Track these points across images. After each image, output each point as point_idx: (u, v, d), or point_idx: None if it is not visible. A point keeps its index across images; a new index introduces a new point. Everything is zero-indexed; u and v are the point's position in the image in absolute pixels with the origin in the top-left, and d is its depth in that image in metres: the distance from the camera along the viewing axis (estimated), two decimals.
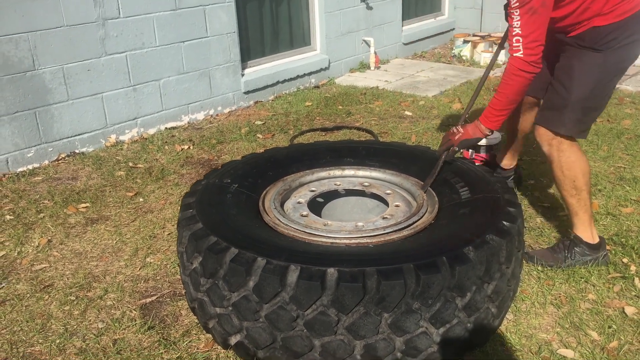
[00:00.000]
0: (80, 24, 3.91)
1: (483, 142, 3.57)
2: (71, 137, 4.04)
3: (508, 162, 3.21)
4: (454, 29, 7.47)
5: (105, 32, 4.05)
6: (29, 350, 2.16)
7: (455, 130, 2.53)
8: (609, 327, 2.17)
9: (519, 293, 2.37)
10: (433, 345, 1.92)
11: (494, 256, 1.95)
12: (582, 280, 2.44)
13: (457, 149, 2.51)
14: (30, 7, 3.64)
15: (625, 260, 2.57)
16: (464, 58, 6.49)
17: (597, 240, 2.54)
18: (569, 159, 2.43)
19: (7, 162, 3.75)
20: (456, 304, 1.89)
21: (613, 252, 2.62)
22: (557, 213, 3.02)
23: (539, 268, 2.54)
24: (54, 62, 3.84)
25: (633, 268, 2.50)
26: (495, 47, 6.28)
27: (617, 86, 5.09)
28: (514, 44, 2.24)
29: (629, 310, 2.25)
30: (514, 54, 2.24)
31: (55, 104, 3.91)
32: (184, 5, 4.45)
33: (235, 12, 4.85)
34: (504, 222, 2.08)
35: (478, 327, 1.99)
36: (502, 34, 6.61)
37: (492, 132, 2.47)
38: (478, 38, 6.55)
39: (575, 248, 2.53)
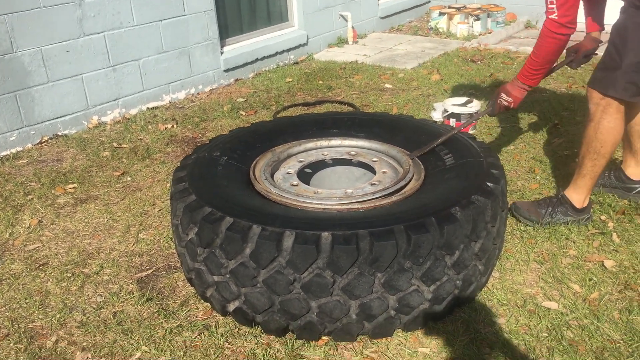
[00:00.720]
0: (57, 5, 3.87)
1: (465, 110, 3.67)
2: (53, 119, 4.02)
3: (633, 170, 2.84)
4: (429, 1, 7.50)
5: (83, 12, 4.02)
6: (30, 326, 2.20)
7: (501, 95, 2.63)
8: (590, 279, 2.28)
9: (504, 252, 2.46)
10: (425, 302, 2.00)
11: (480, 215, 2.04)
12: (563, 237, 2.55)
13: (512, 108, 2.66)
14: None
15: (603, 217, 2.68)
16: (440, 30, 6.55)
17: (585, 204, 2.61)
18: (609, 124, 2.42)
19: None
20: (445, 262, 1.98)
21: (592, 210, 2.73)
22: (536, 177, 3.12)
23: (522, 228, 2.64)
24: (33, 44, 3.81)
25: (611, 224, 2.62)
26: (470, 19, 6.36)
27: None
28: (549, 6, 2.29)
29: (608, 264, 2.36)
30: (549, 16, 2.30)
31: (36, 86, 3.89)
32: None
33: None
34: (488, 184, 2.16)
35: (466, 284, 2.08)
36: (477, 6, 6.69)
37: (531, 87, 2.59)
38: (454, 10, 6.60)
39: (559, 207, 2.61)
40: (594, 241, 2.51)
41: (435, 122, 2.82)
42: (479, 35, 6.28)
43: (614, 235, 2.54)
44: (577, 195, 2.59)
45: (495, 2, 6.81)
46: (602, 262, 2.38)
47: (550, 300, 2.18)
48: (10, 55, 3.72)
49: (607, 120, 2.42)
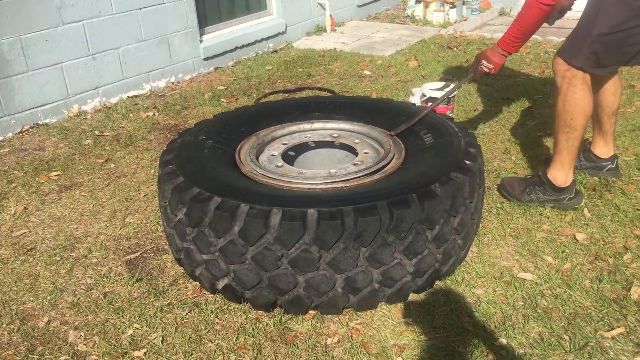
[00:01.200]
0: None
1: (442, 94, 3.75)
2: (33, 108, 4.02)
3: (602, 149, 2.90)
4: None
5: (61, 1, 4.01)
6: (21, 308, 2.23)
7: (482, 62, 2.74)
8: (562, 252, 2.39)
9: (481, 228, 2.57)
10: (407, 275, 2.09)
11: (459, 191, 2.13)
12: (537, 213, 2.66)
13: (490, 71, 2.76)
14: None
15: None
16: (417, 18, 6.64)
17: (568, 183, 2.62)
18: (574, 95, 2.47)
19: None
20: (426, 236, 2.06)
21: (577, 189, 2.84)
22: (511, 157, 3.23)
23: (498, 205, 2.74)
24: (11, 32, 3.80)
25: (582, 200, 2.74)
26: (446, 6, 6.46)
27: (562, 39, 5.38)
28: None
29: (580, 237, 2.47)
30: None
31: (15, 75, 3.88)
32: None
33: None
34: (466, 161, 2.25)
35: (446, 257, 2.18)
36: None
37: (510, 54, 2.69)
38: None
39: (538, 187, 2.67)
40: (566, 216, 2.63)
41: (414, 104, 2.90)
42: (455, 22, 6.38)
43: (585, 210, 2.65)
44: (557, 171, 2.62)
45: None
46: (574, 235, 2.49)
47: (525, 272, 2.29)
48: None
49: (573, 91, 2.47)
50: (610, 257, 2.34)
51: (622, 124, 3.51)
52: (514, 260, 2.37)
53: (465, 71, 4.70)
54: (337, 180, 2.25)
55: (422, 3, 6.63)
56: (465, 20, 6.40)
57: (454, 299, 2.17)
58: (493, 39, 5.63)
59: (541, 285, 2.21)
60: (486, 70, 2.74)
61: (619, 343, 1.92)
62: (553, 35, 5.58)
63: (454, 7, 6.44)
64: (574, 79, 2.46)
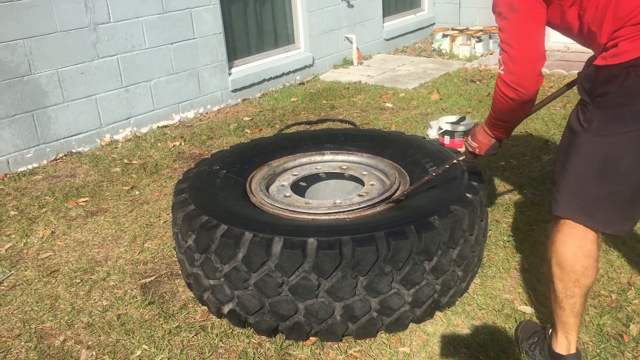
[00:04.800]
0: (73, 29, 4.11)
1: (458, 128, 3.83)
2: (68, 137, 4.24)
3: None
4: (434, 23, 7.70)
5: (97, 36, 4.26)
6: (40, 327, 2.37)
7: (468, 138, 2.22)
8: None
9: (486, 260, 2.60)
10: (405, 304, 2.14)
11: (458, 224, 2.18)
12: (544, 248, 2.66)
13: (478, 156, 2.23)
14: (26, 14, 3.84)
15: None
16: (443, 51, 6.73)
17: (569, 351, 1.92)
18: (562, 246, 1.83)
19: (8, 163, 3.95)
20: (424, 267, 2.12)
21: None
22: (524, 191, 3.25)
23: (505, 238, 2.77)
24: (49, 66, 4.04)
25: None
26: (473, 40, 6.54)
27: None
28: (499, 56, 1.81)
29: None
30: (499, 69, 1.81)
31: (52, 106, 4.12)
32: (171, 9, 4.66)
33: (221, 13, 5.06)
34: (467, 195, 2.31)
35: (446, 288, 2.22)
36: (479, 28, 6.86)
37: (499, 137, 2.11)
38: (456, 32, 6.79)
39: (540, 343, 2.03)
40: None
41: (424, 137, 2.97)
42: (481, 56, 6.44)
43: None
44: (556, 336, 1.95)
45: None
46: None
47: (526, 305, 2.31)
48: (29, 76, 3.96)
49: (560, 241, 1.86)
50: (614, 293, 2.34)
51: None
52: (516, 293, 2.39)
53: (486, 104, 4.75)
54: (341, 210, 2.33)
55: (449, 37, 6.72)
56: (491, 53, 6.46)
57: (452, 329, 2.21)
58: None
59: (541, 319, 2.23)
60: (469, 149, 2.20)
61: None
62: (579, 69, 5.58)
63: (480, 41, 6.51)
64: (560, 226, 1.88)
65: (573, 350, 1.91)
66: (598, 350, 2.05)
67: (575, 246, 1.79)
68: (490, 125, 2.07)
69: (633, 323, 2.16)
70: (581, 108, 1.74)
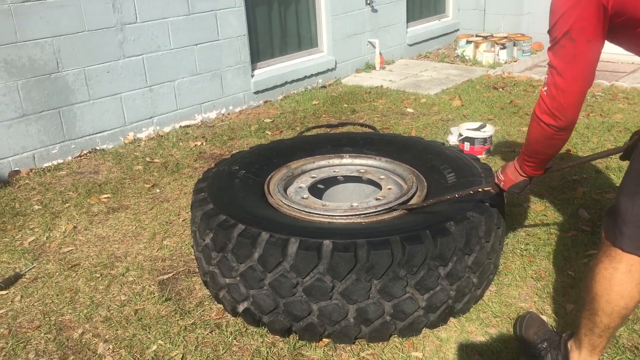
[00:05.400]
0: (100, 29, 4.19)
1: (479, 135, 3.81)
2: (92, 134, 4.32)
3: None
4: (457, 30, 7.67)
5: (124, 36, 4.33)
6: (60, 319, 2.42)
7: (498, 171, 2.14)
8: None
9: (502, 268, 2.58)
10: (419, 309, 2.15)
11: (474, 230, 2.18)
12: (561, 257, 2.65)
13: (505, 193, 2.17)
14: (54, 13, 3.93)
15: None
16: (466, 58, 6.70)
17: None
18: (619, 285, 1.72)
19: (34, 158, 4.03)
20: (439, 272, 2.12)
21: (593, 233, 2.83)
22: (543, 199, 3.23)
23: (522, 246, 2.76)
24: (76, 64, 4.13)
25: None
26: (497, 47, 6.50)
27: (612, 83, 5.32)
28: (546, 75, 1.71)
29: None
30: (542, 90, 1.72)
31: (78, 103, 4.20)
32: (196, 11, 4.72)
33: (245, 16, 5.11)
34: (484, 202, 2.30)
35: (460, 295, 2.22)
36: (504, 35, 6.82)
37: (529, 175, 2.02)
38: (480, 38, 6.75)
39: (553, 350, 1.99)
40: (592, 261, 2.61)
41: (443, 143, 2.97)
42: (505, 63, 6.40)
43: None
44: (580, 353, 1.89)
45: (522, 32, 6.94)
46: None
47: (542, 314, 2.29)
48: (56, 74, 4.04)
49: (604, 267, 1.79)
50: None
51: None
52: (532, 302, 2.38)
53: (507, 112, 4.72)
54: (357, 213, 2.34)
55: (472, 43, 6.69)
56: (515, 61, 6.41)
57: (466, 336, 2.20)
58: (541, 81, 5.62)
59: (556, 328, 2.21)
60: (496, 181, 2.13)
61: None
62: (604, 78, 5.52)
63: (504, 47, 6.47)
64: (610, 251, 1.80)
65: None
66: None
67: (632, 284, 1.69)
68: (522, 161, 1.97)
69: None
70: None
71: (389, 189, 2.60)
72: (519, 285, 2.49)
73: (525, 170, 1.99)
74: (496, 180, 2.13)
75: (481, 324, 2.26)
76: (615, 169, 3.52)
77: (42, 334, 2.32)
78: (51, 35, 3.96)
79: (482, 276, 2.29)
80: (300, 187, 2.67)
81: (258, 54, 5.49)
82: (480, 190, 2.27)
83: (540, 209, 3.12)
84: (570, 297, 2.39)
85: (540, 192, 3.30)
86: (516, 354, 2.10)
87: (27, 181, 3.83)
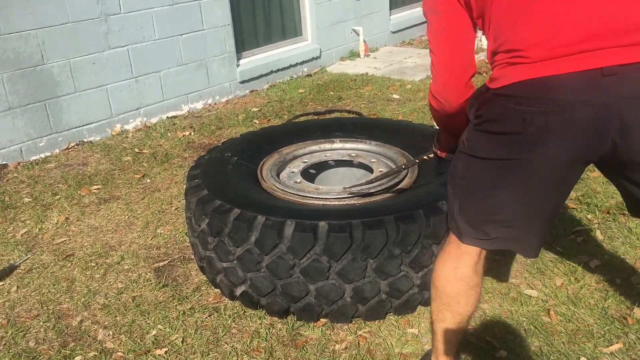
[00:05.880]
0: (84, 20, 4.16)
1: None
2: (79, 127, 4.30)
3: None
4: None
5: (108, 27, 4.31)
6: (57, 308, 2.43)
7: (434, 144, 2.08)
8: (571, 272, 2.45)
9: None
10: (414, 287, 2.20)
11: None
12: (549, 234, 2.72)
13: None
14: (38, 5, 3.90)
15: (589, 216, 2.85)
16: None
17: None
18: (439, 265, 1.71)
19: (22, 151, 4.01)
20: (433, 250, 2.17)
21: (579, 210, 2.90)
22: None
23: None
24: (61, 56, 4.10)
25: (595, 222, 2.78)
26: (479, 33, 6.56)
27: None
28: None
29: (590, 258, 2.53)
30: None
31: (64, 96, 4.17)
32: (180, 1, 4.70)
33: (229, 5, 5.10)
34: None
35: None
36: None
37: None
38: None
39: None
40: (579, 237, 2.68)
41: (432, 127, 3.02)
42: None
43: (598, 232, 2.70)
44: None
45: None
46: (585, 256, 2.54)
47: (532, 289, 2.36)
48: (41, 67, 4.02)
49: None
50: (618, 279, 2.39)
51: None
52: (522, 277, 2.44)
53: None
54: (350, 195, 2.38)
55: None
56: None
57: None
58: None
59: (546, 302, 2.28)
60: (434, 149, 2.08)
61: (616, 358, 1.97)
62: None
63: None
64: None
65: None
66: (602, 332, 2.10)
67: (450, 267, 1.66)
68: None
69: (637, 306, 2.21)
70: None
71: (380, 171, 2.64)
72: (508, 263, 2.55)
73: (442, 138, 1.98)
74: (434, 148, 2.08)
75: None
76: None
77: (41, 323, 2.34)
78: (35, 27, 3.93)
79: None
80: (292, 172, 2.70)
81: (243, 43, 5.49)
82: (425, 157, 2.24)
83: None
84: (559, 272, 2.46)
85: None
86: (508, 327, 2.16)
87: (15, 175, 3.81)
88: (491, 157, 1.50)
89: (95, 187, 3.57)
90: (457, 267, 1.65)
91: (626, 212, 2.78)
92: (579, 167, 1.49)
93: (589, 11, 1.32)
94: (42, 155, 4.10)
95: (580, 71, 1.33)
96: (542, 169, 1.45)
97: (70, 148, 4.23)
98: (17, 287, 2.59)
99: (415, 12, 7.43)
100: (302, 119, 4.47)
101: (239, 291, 2.30)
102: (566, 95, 1.34)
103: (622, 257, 2.53)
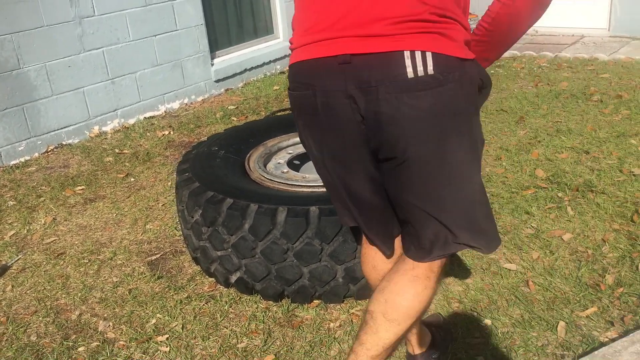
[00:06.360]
0: (58, 24, 4.18)
1: None
2: (57, 130, 4.32)
3: None
4: None
5: (82, 29, 4.33)
6: (55, 303, 2.48)
7: None
8: (546, 246, 2.61)
9: None
10: None
11: None
12: (524, 212, 2.88)
13: None
14: (13, 9, 3.91)
15: (560, 194, 3.02)
16: None
17: None
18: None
19: (1, 156, 4.01)
20: None
21: (550, 189, 3.07)
22: (502, 163, 3.46)
23: None
24: (37, 60, 4.11)
25: (566, 199, 2.95)
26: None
27: (555, 54, 5.66)
28: None
29: (562, 232, 2.69)
30: None
31: (41, 99, 4.19)
32: (153, 1, 4.74)
33: (202, 5, 5.15)
34: None
35: None
36: (478, 15, 7.06)
37: None
38: None
39: None
40: (551, 214, 2.84)
41: None
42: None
43: (569, 208, 2.87)
44: None
45: (470, 10, 7.19)
46: (557, 231, 2.71)
47: (510, 263, 2.51)
48: (18, 71, 4.02)
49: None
50: (590, 249, 2.56)
51: (607, 131, 3.73)
52: (501, 253, 2.59)
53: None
54: None
55: None
56: None
57: (445, 287, 2.39)
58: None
59: (525, 274, 2.43)
60: None
61: (592, 321, 2.13)
62: (548, 51, 5.83)
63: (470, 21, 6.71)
64: None
65: None
66: (578, 298, 2.26)
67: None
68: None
69: (608, 274, 2.37)
70: None
71: None
72: None
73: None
74: None
75: (458, 276, 2.46)
76: (566, 132, 3.78)
77: (40, 318, 2.39)
78: (10, 31, 3.93)
79: None
80: (279, 163, 2.80)
81: (216, 42, 5.55)
82: None
83: (500, 172, 3.34)
84: (535, 246, 2.61)
85: (498, 156, 3.53)
86: (492, 299, 2.30)
87: None
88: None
89: (79, 187, 3.60)
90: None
91: (594, 189, 2.97)
92: (357, 151, 1.48)
93: (335, 2, 1.37)
94: (22, 159, 4.11)
95: (320, 57, 1.39)
96: (322, 150, 1.53)
97: (50, 151, 4.24)
98: (12, 286, 2.63)
99: None
100: (282, 113, 4.56)
101: (234, 278, 2.39)
102: (311, 80, 1.42)
103: (592, 230, 2.70)
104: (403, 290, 1.54)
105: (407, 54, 1.31)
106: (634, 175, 3.13)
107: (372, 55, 1.33)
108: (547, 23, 6.68)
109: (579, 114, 4.08)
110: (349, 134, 1.44)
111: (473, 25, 1.48)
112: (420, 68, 1.31)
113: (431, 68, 1.32)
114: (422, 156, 1.39)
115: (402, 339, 1.61)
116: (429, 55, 1.31)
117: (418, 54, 1.31)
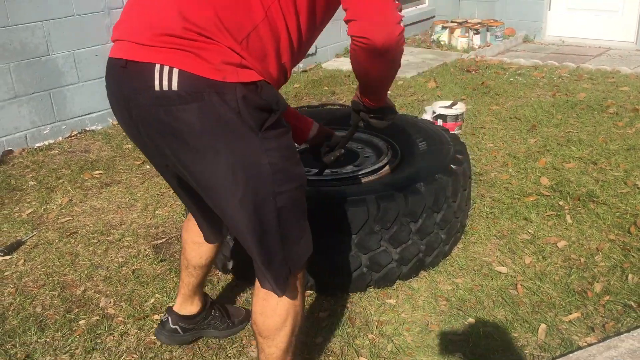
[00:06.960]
0: (88, 13, 4.34)
1: (450, 112, 4.06)
2: (82, 115, 4.48)
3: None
4: (434, 16, 7.91)
5: (111, 20, 4.49)
6: (62, 279, 2.61)
7: None
8: (540, 251, 2.64)
9: (470, 228, 2.83)
10: (393, 262, 2.39)
11: (442, 191, 2.42)
12: (522, 218, 2.91)
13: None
14: None
15: (561, 203, 3.04)
16: (442, 43, 6.95)
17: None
18: None
19: (27, 138, 4.19)
20: (410, 227, 2.36)
21: (552, 197, 3.09)
22: (508, 170, 3.49)
23: (487, 210, 3.01)
24: (66, 47, 4.28)
25: (566, 208, 2.98)
26: (471, 33, 6.76)
27: (578, 65, 5.64)
28: None
29: (558, 240, 2.72)
30: None
31: (68, 85, 4.35)
32: None
33: None
34: (452, 166, 2.55)
35: (430, 249, 2.46)
36: (477, 20, 7.08)
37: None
38: (455, 24, 7.00)
39: None
40: (550, 221, 2.87)
41: (416, 117, 3.20)
42: (478, 47, 6.66)
43: (568, 217, 2.89)
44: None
45: (495, 18, 7.20)
46: (553, 238, 2.74)
47: (502, 266, 2.55)
48: (46, 57, 4.19)
49: None
50: (583, 257, 2.58)
51: (619, 143, 3.73)
52: (495, 256, 2.64)
53: (480, 90, 4.98)
54: (337, 178, 2.57)
55: (448, 29, 6.94)
56: (488, 46, 6.67)
57: (435, 286, 2.45)
58: (512, 64, 5.88)
59: (515, 277, 2.47)
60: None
61: (574, 325, 2.17)
62: (571, 61, 5.81)
63: (478, 33, 6.73)
64: None
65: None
66: (564, 304, 2.29)
67: None
68: None
69: (597, 282, 2.40)
70: None
71: (366, 157, 2.83)
72: (483, 243, 2.74)
73: None
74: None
75: (449, 276, 2.51)
76: (576, 142, 3.79)
77: (47, 292, 2.52)
78: (41, 19, 4.10)
79: (449, 233, 2.54)
80: None
81: None
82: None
83: (505, 178, 3.37)
84: (529, 251, 2.65)
85: (505, 162, 3.56)
86: (479, 299, 2.35)
87: (20, 160, 3.99)
88: None
89: (97, 172, 3.75)
90: None
91: (595, 199, 2.99)
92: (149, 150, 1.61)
93: (138, 3, 1.46)
94: (46, 142, 4.28)
95: (112, 58, 1.49)
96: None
97: (73, 136, 4.41)
98: (24, 260, 2.77)
99: (409, 12, 7.62)
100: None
101: (230, 265, 2.49)
102: (106, 77, 1.55)
103: (588, 239, 2.72)
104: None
105: (157, 67, 1.37)
106: (638, 187, 3.14)
107: (138, 64, 1.39)
108: (574, 34, 6.66)
109: (592, 125, 4.08)
110: (135, 136, 1.55)
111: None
112: (165, 83, 1.36)
113: (175, 85, 1.35)
114: (185, 166, 1.48)
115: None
116: (175, 71, 1.36)
117: (166, 69, 1.36)
